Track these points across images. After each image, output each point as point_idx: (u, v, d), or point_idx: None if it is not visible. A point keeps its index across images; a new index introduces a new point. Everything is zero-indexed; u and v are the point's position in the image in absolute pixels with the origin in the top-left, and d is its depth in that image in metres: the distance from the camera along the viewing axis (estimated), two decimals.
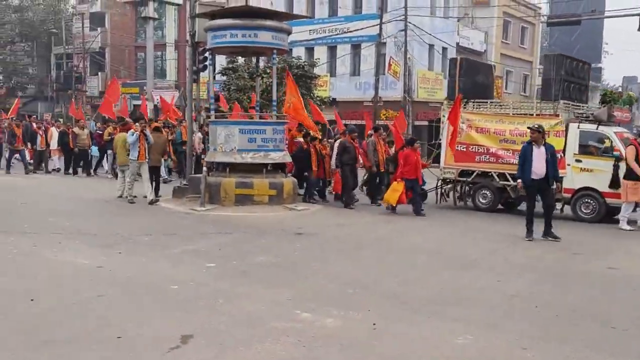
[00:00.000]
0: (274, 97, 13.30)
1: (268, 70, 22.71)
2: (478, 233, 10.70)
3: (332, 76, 32.28)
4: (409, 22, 27.89)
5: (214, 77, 31.06)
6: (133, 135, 12.50)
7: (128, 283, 6.61)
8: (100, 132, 19.22)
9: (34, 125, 20.70)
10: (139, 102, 32.95)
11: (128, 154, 13.79)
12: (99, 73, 42.52)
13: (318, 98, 24.81)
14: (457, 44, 33.59)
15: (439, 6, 32.44)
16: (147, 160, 12.73)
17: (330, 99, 26.87)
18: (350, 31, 30.66)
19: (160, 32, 39.54)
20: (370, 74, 29.43)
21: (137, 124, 12.96)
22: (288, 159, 13.13)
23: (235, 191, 12.13)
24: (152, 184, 13.72)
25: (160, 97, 24.30)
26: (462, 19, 35.07)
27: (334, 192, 14.04)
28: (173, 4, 31.65)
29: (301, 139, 13.97)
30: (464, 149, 13.07)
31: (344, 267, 7.64)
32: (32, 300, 5.81)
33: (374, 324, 5.38)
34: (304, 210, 12.27)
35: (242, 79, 22.57)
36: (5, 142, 18.97)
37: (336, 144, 13.73)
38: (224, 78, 26.32)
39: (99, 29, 41.81)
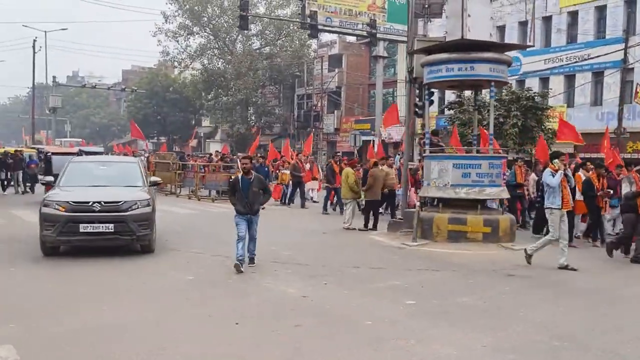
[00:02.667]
0: (491, 131, 12.74)
1: (495, 103, 22.01)
2: None
3: (569, 107, 30.03)
4: None
5: (443, 112, 31.22)
6: None
7: (326, 315, 6.77)
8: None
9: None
10: (368, 138, 34.35)
11: (350, 189, 14.43)
12: (335, 111, 45.24)
13: (550, 130, 23.19)
14: None
15: None
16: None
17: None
18: (591, 58, 28.30)
19: (392, 70, 40.88)
20: (614, 104, 26.74)
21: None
22: (505, 194, 12.45)
23: (448, 227, 11.82)
24: (371, 217, 14.17)
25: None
26: None
27: None
28: (402, 42, 32.49)
29: None
30: None
31: (555, 316, 6.90)
32: (236, 324, 6.27)
33: None
34: (522, 250, 11.39)
35: (467, 112, 22.11)
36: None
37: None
38: (451, 112, 26.10)
39: (336, 69, 44.65)
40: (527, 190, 15.11)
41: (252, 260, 9.45)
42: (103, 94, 68.97)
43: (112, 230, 9.53)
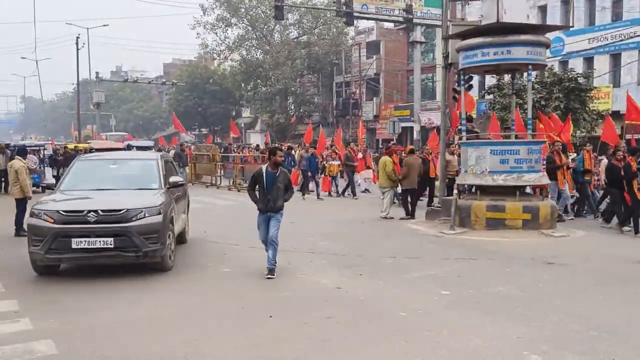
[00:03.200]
0: (529, 115, 12.44)
1: (536, 86, 21.48)
2: None
3: (615, 87, 29.11)
4: None
5: (483, 96, 30.65)
6: None
7: (359, 306, 6.77)
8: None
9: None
10: (408, 125, 34.02)
11: (387, 177, 14.37)
12: (374, 98, 44.94)
13: (594, 112, 22.51)
14: None
15: None
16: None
17: (610, 112, 24.12)
18: (637, 35, 27.32)
19: (431, 55, 40.31)
20: None
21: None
22: (545, 180, 12.17)
23: (486, 214, 11.64)
24: (409, 205, 14.10)
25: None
26: None
27: None
28: (439, 26, 31.98)
29: None
30: None
31: (593, 306, 6.73)
32: (270, 316, 6.33)
33: None
34: (563, 237, 11.19)
35: (507, 96, 21.64)
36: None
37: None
38: (490, 97, 25.61)
39: (374, 56, 44.29)
40: (596, 176, 14.54)
41: (271, 272, 8.06)
42: (145, 87, 70.07)
43: (112, 246, 7.74)
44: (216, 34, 48.47)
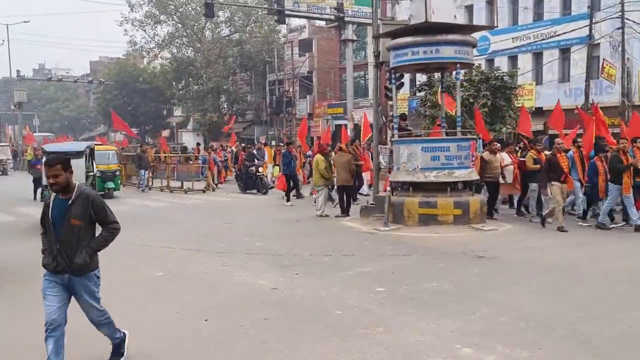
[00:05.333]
0: (458, 113, 12.79)
1: (464, 84, 22.09)
2: None
3: (538, 84, 30.32)
4: (627, 19, 25.10)
5: (414, 94, 31.28)
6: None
7: (296, 306, 6.77)
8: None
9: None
10: (342, 122, 34.26)
11: (320, 175, 14.42)
12: (307, 96, 45.07)
13: (518, 109, 23.36)
14: None
15: None
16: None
17: (533, 109, 25.16)
18: (558, 35, 28.57)
19: (363, 53, 40.77)
20: (582, 79, 27.04)
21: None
22: (475, 176, 12.53)
23: (419, 211, 11.88)
24: (344, 202, 14.17)
25: (364, 115, 23.90)
26: None
27: None
28: (370, 24, 32.41)
29: None
30: None
31: (521, 297, 6.98)
32: (206, 320, 6.23)
33: None
34: (492, 231, 11.57)
35: (437, 94, 22.18)
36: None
37: None
38: (422, 94, 26.16)
39: (307, 54, 44.40)
40: None
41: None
42: (71, 86, 67.76)
43: None
44: (145, 31, 47.44)
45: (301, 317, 6.33)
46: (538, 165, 12.74)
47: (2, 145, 39.17)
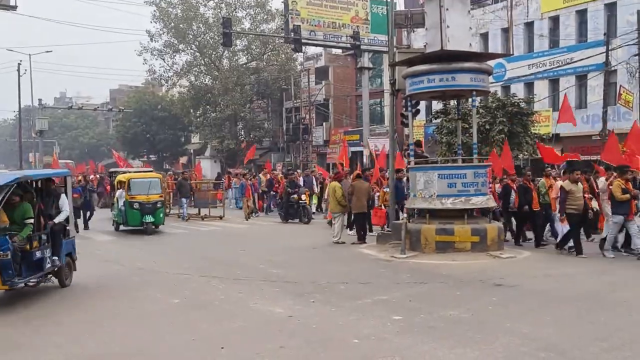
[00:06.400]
0: (474, 140, 12.78)
1: (480, 110, 22.11)
2: None
3: (554, 110, 30.22)
4: None
5: (430, 121, 31.31)
6: None
7: (312, 334, 6.73)
8: None
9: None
10: (357, 149, 34.37)
11: (337, 202, 14.44)
12: (324, 123, 45.30)
13: (535, 135, 23.33)
14: None
15: None
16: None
17: (550, 135, 25.04)
18: (574, 61, 28.58)
19: (379, 80, 41.03)
20: (599, 106, 26.94)
21: None
22: (492, 203, 12.46)
23: (436, 238, 11.81)
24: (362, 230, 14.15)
25: (383, 148, 23.70)
26: None
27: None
28: (385, 52, 32.68)
29: None
30: None
31: (541, 327, 6.87)
32: (222, 348, 6.21)
33: None
34: (510, 258, 11.45)
35: (453, 120, 22.22)
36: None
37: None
38: (438, 121, 26.21)
39: (323, 82, 44.76)
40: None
41: None
42: (91, 114, 68.80)
43: None
44: (163, 60, 48.09)
45: (317, 345, 6.30)
46: (627, 195, 11.39)
47: None
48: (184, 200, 21.93)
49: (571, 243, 12.14)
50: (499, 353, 5.93)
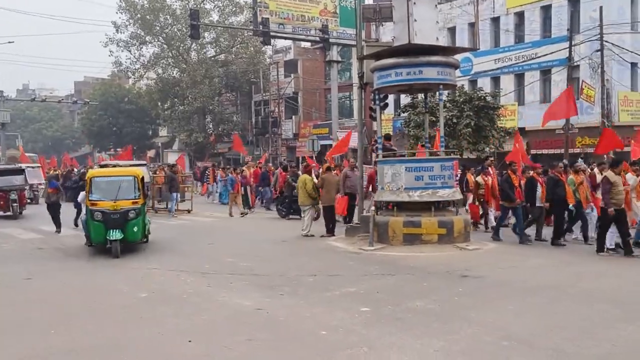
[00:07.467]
0: (442, 133, 12.94)
1: (448, 104, 22.39)
2: None
3: (520, 105, 30.78)
4: (606, 42, 25.62)
5: (399, 114, 31.54)
6: None
7: (280, 327, 6.75)
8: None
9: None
10: (327, 143, 34.41)
11: (307, 195, 14.44)
12: (293, 116, 45.27)
13: (501, 129, 23.75)
14: None
15: None
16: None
17: (516, 129, 25.49)
18: (539, 57, 29.11)
19: (348, 73, 41.14)
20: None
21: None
22: (458, 195, 12.64)
23: (403, 230, 11.93)
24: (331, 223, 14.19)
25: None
26: None
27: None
28: (354, 46, 32.76)
29: None
30: None
31: (505, 317, 7.03)
32: (189, 341, 6.20)
33: None
34: (476, 250, 11.65)
35: (421, 114, 22.46)
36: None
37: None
38: (405, 115, 26.45)
39: (292, 75, 44.69)
40: None
41: None
42: (56, 106, 67.45)
43: None
44: (130, 51, 47.45)
45: (286, 338, 6.33)
46: None
47: (33, 167, 28.63)
48: (174, 195, 21.06)
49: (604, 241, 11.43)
50: (464, 342, 6.05)
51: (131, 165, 18.19)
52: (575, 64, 26.97)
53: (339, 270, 10.02)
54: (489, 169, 14.92)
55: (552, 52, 27.56)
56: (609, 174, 11.22)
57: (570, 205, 12.59)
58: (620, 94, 27.91)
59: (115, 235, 11.56)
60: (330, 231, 14.29)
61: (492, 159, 16.26)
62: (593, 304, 7.62)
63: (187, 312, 7.48)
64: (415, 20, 12.22)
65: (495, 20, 31.91)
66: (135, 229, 11.96)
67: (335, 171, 16.37)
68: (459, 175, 14.73)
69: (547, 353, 5.72)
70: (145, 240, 12.84)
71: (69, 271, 10.36)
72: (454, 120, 22.26)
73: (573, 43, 26.07)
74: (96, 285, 9.25)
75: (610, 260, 10.94)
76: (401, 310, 7.38)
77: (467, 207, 14.73)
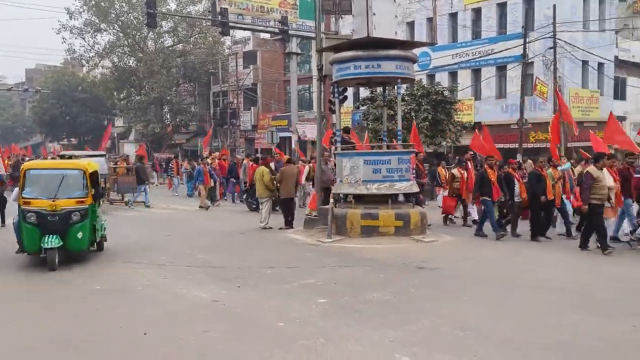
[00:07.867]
0: (399, 127, 13.07)
1: (406, 98, 22.61)
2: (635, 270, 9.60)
3: (476, 100, 31.32)
4: (559, 39, 26.29)
5: (358, 107, 31.69)
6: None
7: (237, 319, 6.74)
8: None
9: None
10: (285, 135, 34.34)
11: (265, 187, 14.40)
12: (252, 108, 44.98)
13: (458, 123, 24.14)
14: (616, 57, 31.02)
15: (593, 19, 30.24)
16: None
17: (472, 123, 26.01)
18: (495, 52, 29.65)
19: (307, 66, 41.07)
20: (517, 96, 28.11)
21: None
22: (415, 188, 12.81)
23: (361, 222, 12.04)
24: (289, 215, 14.18)
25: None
26: (621, 30, 32.34)
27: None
28: (314, 38, 32.75)
29: None
30: None
31: (459, 307, 7.18)
32: (145, 334, 6.13)
33: None
34: (432, 242, 11.84)
35: (380, 108, 22.64)
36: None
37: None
38: (364, 108, 26.61)
39: (251, 66, 44.36)
40: None
41: None
42: (5, 94, 65.35)
43: None
44: (84, 39, 46.23)
45: (243, 329, 6.32)
46: None
47: None
48: (142, 187, 20.54)
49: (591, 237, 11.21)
50: (420, 333, 6.16)
51: (88, 156, 17.37)
52: (530, 60, 27.59)
53: (297, 262, 10.05)
54: (467, 162, 14.99)
55: (508, 49, 28.10)
56: (592, 169, 10.88)
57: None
58: (572, 91, 28.67)
59: (52, 242, 9.21)
60: (289, 223, 14.30)
61: (471, 152, 16.34)
62: (542, 294, 7.85)
63: (143, 304, 7.38)
64: (374, 14, 12.29)
65: (453, 16, 32.33)
66: (80, 235, 9.54)
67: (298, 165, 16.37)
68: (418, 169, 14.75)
69: (498, 341, 5.88)
70: (96, 248, 10.72)
71: (17, 264, 10.05)
72: (412, 114, 22.50)
73: (527, 40, 26.66)
74: (47, 276, 9.01)
75: (565, 251, 11.24)
76: (358, 301, 7.45)
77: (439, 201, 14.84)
